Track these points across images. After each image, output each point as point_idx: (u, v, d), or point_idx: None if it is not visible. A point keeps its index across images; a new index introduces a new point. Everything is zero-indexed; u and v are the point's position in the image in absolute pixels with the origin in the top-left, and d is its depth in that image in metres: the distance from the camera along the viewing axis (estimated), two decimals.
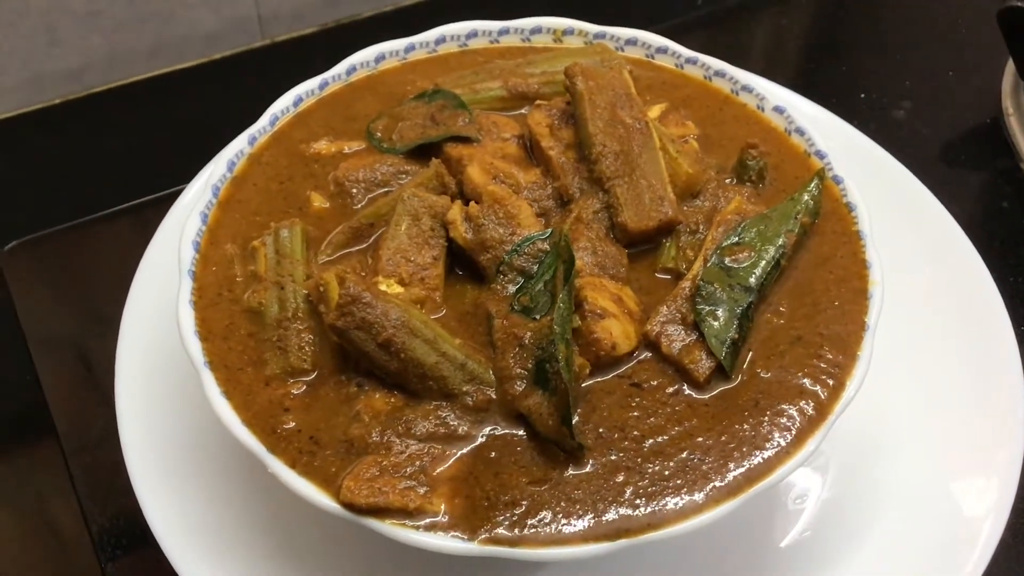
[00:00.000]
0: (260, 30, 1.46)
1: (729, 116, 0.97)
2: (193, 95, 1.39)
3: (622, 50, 1.02)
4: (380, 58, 1.00)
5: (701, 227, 0.86)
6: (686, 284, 0.81)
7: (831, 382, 0.78)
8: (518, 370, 0.76)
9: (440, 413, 0.75)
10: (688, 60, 1.01)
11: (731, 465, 0.73)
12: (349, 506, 0.71)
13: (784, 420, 0.76)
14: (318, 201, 0.89)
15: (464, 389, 0.76)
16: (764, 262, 0.82)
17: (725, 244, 0.83)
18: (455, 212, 0.82)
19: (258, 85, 1.37)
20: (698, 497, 0.72)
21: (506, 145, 0.91)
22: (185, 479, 0.88)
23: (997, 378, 0.95)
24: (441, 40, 1.02)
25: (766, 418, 0.76)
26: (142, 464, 0.87)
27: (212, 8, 1.40)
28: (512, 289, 0.81)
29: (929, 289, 1.02)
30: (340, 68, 0.98)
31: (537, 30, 1.03)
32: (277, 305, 0.81)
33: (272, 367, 0.78)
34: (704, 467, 0.73)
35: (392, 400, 0.76)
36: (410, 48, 1.02)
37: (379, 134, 0.94)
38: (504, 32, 1.03)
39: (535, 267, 0.81)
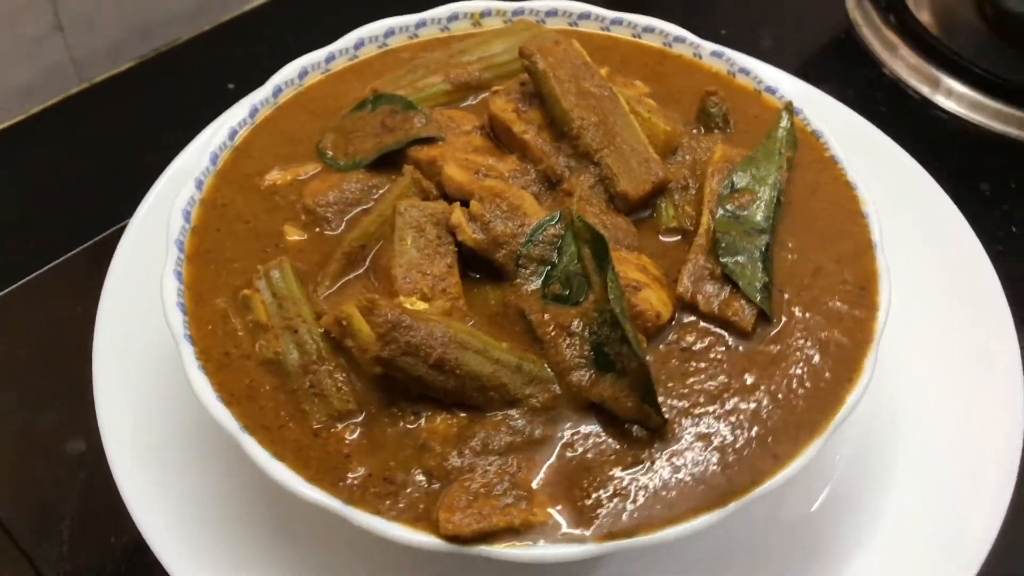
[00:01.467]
0: (76, 74, 1.34)
1: (670, 70, 0.98)
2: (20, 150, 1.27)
3: (543, 23, 1.00)
4: (303, 73, 0.94)
5: (689, 182, 0.86)
6: (701, 240, 0.81)
7: (863, 303, 0.79)
8: (577, 360, 0.73)
9: (510, 422, 0.72)
10: (613, 22, 1.00)
11: (804, 404, 0.74)
12: (454, 539, 0.67)
13: (834, 349, 0.77)
14: (293, 234, 0.83)
15: (527, 392, 0.73)
16: (766, 202, 0.83)
17: (725, 193, 0.83)
18: (459, 215, 0.79)
19: (78, 130, 1.27)
20: (787, 444, 0.72)
21: (471, 138, 0.88)
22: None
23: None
24: (360, 44, 0.97)
25: (817, 351, 0.77)
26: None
27: (24, 59, 1.27)
28: (537, 280, 0.78)
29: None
30: (266, 91, 0.92)
31: (454, 17, 1.00)
32: (296, 351, 0.75)
33: (316, 416, 0.73)
34: (782, 412, 0.74)
35: (455, 420, 0.72)
36: (331, 58, 0.96)
37: (331, 152, 0.89)
38: (421, 25, 0.99)
39: (554, 254, 0.78)
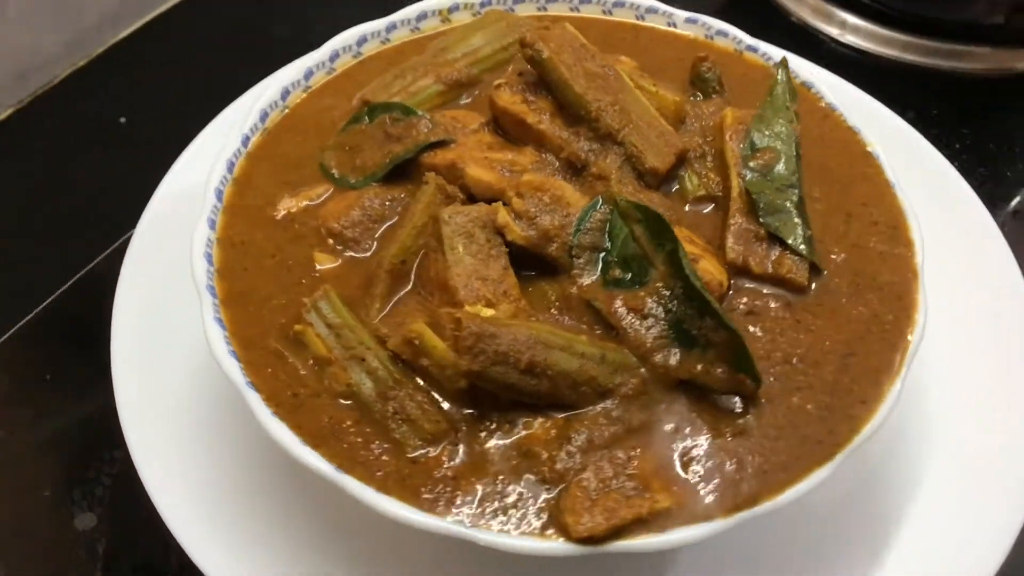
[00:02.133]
0: None
1: (647, 41, 0.98)
2: None
3: (513, 10, 0.99)
4: (285, 93, 0.90)
5: (705, 148, 0.87)
6: (737, 203, 0.82)
7: (899, 240, 0.82)
8: (658, 341, 0.73)
9: (609, 414, 0.71)
10: (583, 1, 0.99)
11: (875, 347, 0.76)
12: (588, 540, 0.65)
13: (887, 288, 0.79)
14: (325, 261, 0.80)
15: (616, 381, 0.72)
16: (789, 156, 0.84)
17: (747, 154, 0.84)
18: (504, 215, 0.77)
19: None
20: (870, 388, 0.74)
21: (481, 136, 0.86)
22: None
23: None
24: (335, 56, 0.93)
25: (873, 293, 0.79)
26: None
27: None
28: (593, 268, 0.77)
29: None
30: (253, 118, 0.87)
31: (423, 16, 0.97)
32: (369, 380, 0.72)
33: (410, 443, 0.70)
34: (856, 358, 0.75)
35: (552, 422, 0.71)
36: (309, 74, 0.92)
37: (337, 171, 0.85)
38: (392, 28, 0.96)
39: (605, 239, 0.77)
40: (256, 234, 0.81)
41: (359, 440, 0.70)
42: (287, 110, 0.90)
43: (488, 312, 0.74)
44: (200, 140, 1.01)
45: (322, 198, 0.84)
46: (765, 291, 0.79)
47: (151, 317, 0.90)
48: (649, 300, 0.74)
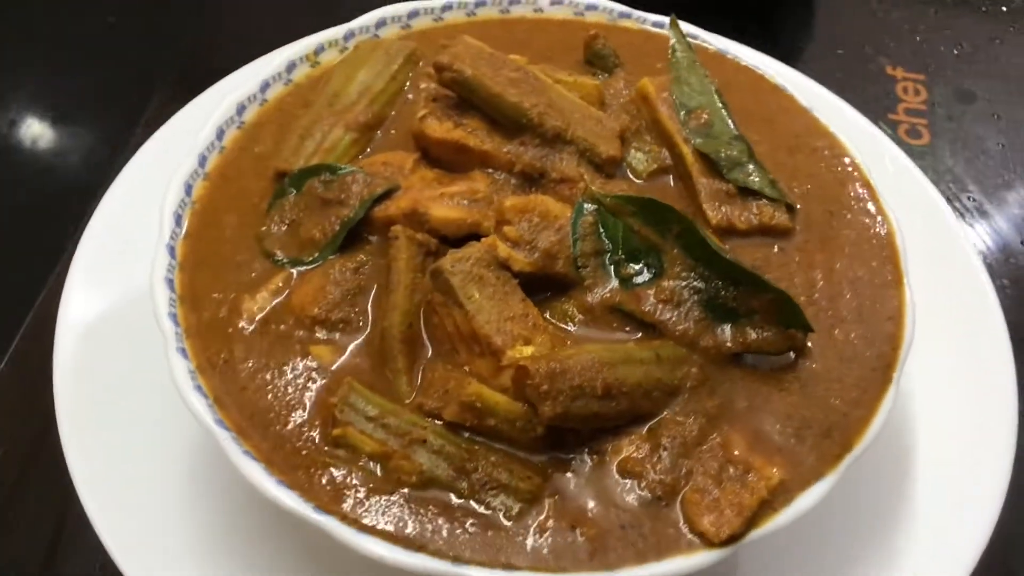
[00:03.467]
0: None
1: (522, 34, 0.95)
2: None
3: (409, 27, 0.94)
4: (188, 188, 0.80)
5: (638, 124, 0.86)
6: (695, 168, 0.82)
7: (842, 158, 0.85)
8: (700, 324, 0.72)
9: (686, 410, 0.70)
10: (478, 4, 0.95)
11: (876, 264, 0.79)
12: (731, 540, 0.64)
13: (856, 205, 0.82)
14: (325, 354, 0.73)
15: (679, 376, 0.71)
16: (719, 110, 0.85)
17: (683, 118, 0.84)
18: (503, 247, 0.73)
19: None
20: (890, 304, 0.77)
21: (422, 173, 0.81)
22: None
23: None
24: (221, 133, 0.84)
25: (846, 212, 0.82)
26: None
27: None
28: (604, 272, 0.75)
29: None
30: (168, 222, 0.77)
31: (292, 66, 0.90)
32: (441, 460, 0.67)
33: (511, 511, 0.66)
34: (865, 276, 0.78)
35: (638, 437, 0.69)
36: (203, 160, 0.82)
37: (285, 255, 0.78)
38: (267, 87, 0.88)
39: (604, 241, 0.75)
40: (236, 350, 0.73)
41: (457, 527, 0.65)
42: (196, 205, 0.81)
43: (528, 350, 0.70)
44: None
45: (285, 290, 0.76)
46: (755, 244, 0.80)
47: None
48: (675, 286, 0.73)
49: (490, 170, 0.80)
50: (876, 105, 1.30)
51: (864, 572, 0.79)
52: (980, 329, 0.91)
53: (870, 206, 0.82)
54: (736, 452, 0.68)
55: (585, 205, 0.76)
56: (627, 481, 0.67)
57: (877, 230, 0.80)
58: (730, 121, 0.84)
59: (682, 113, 0.84)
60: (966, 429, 0.85)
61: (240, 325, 0.74)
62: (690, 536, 0.65)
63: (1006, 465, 0.83)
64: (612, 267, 0.75)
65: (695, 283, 0.73)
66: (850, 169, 0.85)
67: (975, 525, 0.80)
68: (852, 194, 0.83)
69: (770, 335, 0.71)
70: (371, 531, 0.64)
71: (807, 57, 1.36)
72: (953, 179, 1.22)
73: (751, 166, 0.81)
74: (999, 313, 0.91)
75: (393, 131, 0.86)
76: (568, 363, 0.66)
